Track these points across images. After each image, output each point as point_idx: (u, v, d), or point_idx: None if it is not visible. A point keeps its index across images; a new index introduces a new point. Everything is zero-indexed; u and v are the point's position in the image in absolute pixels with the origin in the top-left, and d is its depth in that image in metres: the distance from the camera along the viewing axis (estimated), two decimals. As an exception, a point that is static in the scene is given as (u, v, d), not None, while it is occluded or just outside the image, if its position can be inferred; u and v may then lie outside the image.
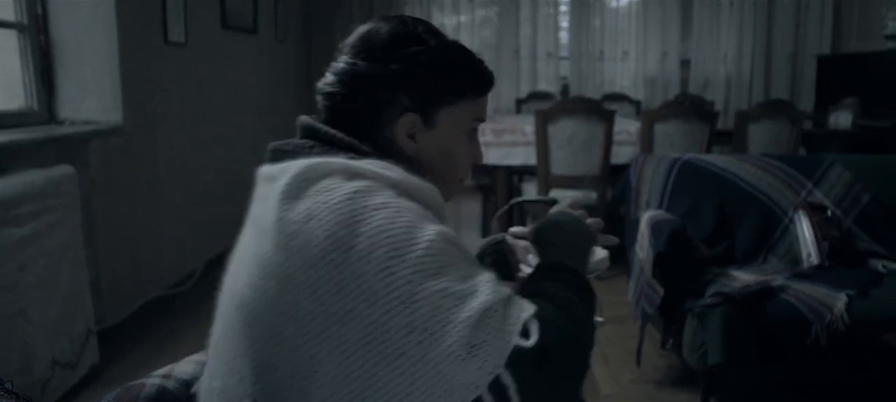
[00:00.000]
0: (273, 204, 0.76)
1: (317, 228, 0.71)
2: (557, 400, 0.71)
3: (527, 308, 0.72)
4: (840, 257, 2.37)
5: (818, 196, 2.54)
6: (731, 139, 3.38)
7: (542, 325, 0.70)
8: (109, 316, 2.60)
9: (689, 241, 2.12)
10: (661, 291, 2.08)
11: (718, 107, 5.07)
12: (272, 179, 0.81)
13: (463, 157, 0.92)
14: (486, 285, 0.71)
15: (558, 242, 0.90)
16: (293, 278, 0.70)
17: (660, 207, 2.46)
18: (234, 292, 0.79)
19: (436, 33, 0.89)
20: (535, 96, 4.94)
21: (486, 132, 3.45)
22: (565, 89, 5.43)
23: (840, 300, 1.98)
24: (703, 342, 1.93)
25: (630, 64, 5.38)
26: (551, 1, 5.33)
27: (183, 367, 1.07)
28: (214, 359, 0.83)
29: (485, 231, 3.68)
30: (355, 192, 0.73)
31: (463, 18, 5.42)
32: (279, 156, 0.88)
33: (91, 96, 2.64)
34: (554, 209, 0.98)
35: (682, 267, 2.05)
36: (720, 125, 3.50)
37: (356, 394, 0.68)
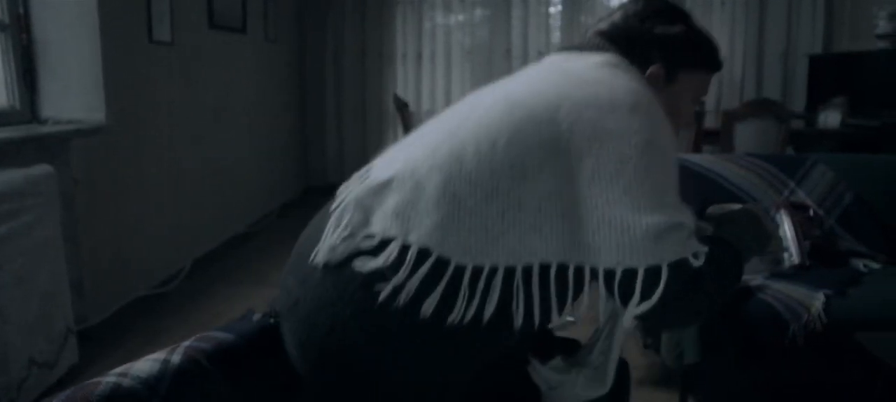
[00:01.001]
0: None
1: (636, 119, 0.96)
2: (681, 313, 0.93)
3: (703, 247, 0.92)
4: (822, 257, 2.37)
5: (801, 196, 2.54)
6: (718, 138, 3.38)
7: (707, 263, 0.91)
8: (92, 315, 2.60)
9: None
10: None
11: (709, 106, 5.07)
12: (614, 66, 1.07)
13: (683, 116, 1.16)
14: (691, 217, 0.94)
15: (737, 226, 1.09)
16: (611, 131, 0.93)
17: (642, 206, 2.45)
18: (543, 115, 0.95)
19: (691, 19, 1.16)
20: None
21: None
22: (557, 89, 5.43)
23: (817, 300, 1.98)
24: (679, 342, 1.93)
25: (622, 63, 5.36)
26: (543, 0, 5.33)
27: (141, 365, 1.06)
28: (478, 132, 0.97)
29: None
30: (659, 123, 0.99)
31: (454, 18, 5.42)
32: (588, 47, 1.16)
33: (74, 95, 2.64)
34: (746, 206, 1.23)
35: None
36: (712, 124, 3.50)
37: (570, 202, 0.90)
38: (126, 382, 1.02)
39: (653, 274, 0.87)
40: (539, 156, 0.92)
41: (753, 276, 2.16)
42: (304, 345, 1.02)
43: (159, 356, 1.10)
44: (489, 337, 0.93)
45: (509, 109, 0.97)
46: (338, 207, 1.03)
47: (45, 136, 2.37)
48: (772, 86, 5.45)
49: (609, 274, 0.89)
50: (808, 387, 2.21)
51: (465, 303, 0.89)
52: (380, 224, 0.95)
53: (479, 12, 5.43)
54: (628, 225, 0.88)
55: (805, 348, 1.92)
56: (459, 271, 0.89)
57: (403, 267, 0.90)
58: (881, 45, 4.67)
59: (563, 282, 0.91)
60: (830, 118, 4.03)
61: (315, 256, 1.00)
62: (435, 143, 0.98)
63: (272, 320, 1.26)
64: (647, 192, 0.89)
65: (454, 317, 0.89)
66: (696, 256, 0.89)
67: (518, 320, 0.91)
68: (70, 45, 2.61)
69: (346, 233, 0.97)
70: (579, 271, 0.91)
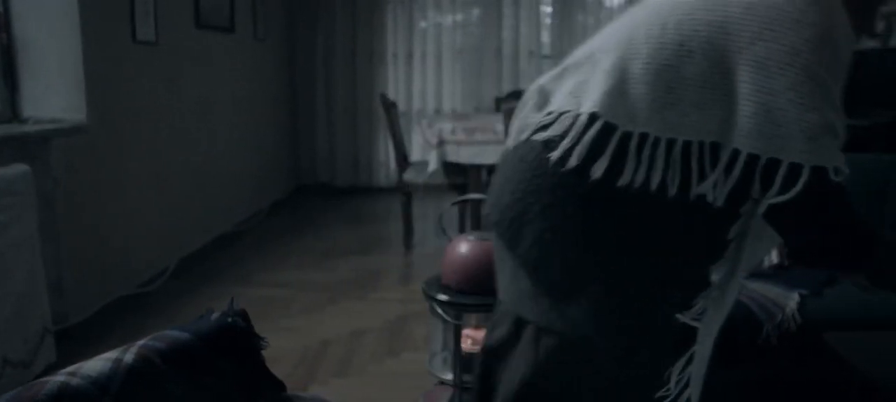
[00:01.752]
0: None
1: (813, 11, 0.94)
2: (809, 226, 0.97)
3: (845, 166, 0.91)
4: (799, 258, 2.37)
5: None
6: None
7: (842, 186, 0.91)
8: (73, 314, 2.60)
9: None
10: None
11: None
12: None
13: (867, 20, 1.14)
14: (844, 125, 0.93)
15: None
16: (785, 20, 0.93)
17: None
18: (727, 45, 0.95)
19: None
20: (515, 95, 4.91)
21: (457, 131, 3.45)
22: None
23: (792, 300, 1.98)
24: (654, 341, 1.93)
25: (612, 63, 5.36)
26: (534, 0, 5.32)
27: (92, 364, 1.06)
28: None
29: (462, 228, 3.67)
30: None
31: (445, 18, 5.42)
32: None
33: (55, 95, 2.64)
34: None
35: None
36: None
37: (733, 84, 0.93)
38: (75, 381, 1.02)
39: (795, 170, 0.89)
40: (707, 36, 0.94)
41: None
42: (494, 206, 1.09)
43: (111, 355, 1.10)
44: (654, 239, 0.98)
45: None
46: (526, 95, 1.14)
47: (26, 135, 2.37)
48: (763, 86, 5.43)
49: (752, 158, 0.91)
50: (783, 387, 2.20)
51: (633, 168, 0.94)
52: (557, 103, 1.05)
53: (469, 12, 5.43)
54: (786, 119, 0.89)
55: (779, 347, 1.92)
56: (626, 137, 0.95)
57: (572, 130, 0.98)
58: (872, 44, 4.67)
59: (714, 160, 0.94)
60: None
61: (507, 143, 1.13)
62: (611, 31, 1.06)
63: (230, 320, 1.26)
64: (811, 90, 0.90)
65: (623, 181, 0.94)
66: (837, 171, 0.90)
67: (672, 189, 0.94)
68: (51, 44, 2.61)
69: (529, 113, 1.09)
70: (734, 155, 0.92)
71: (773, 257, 2.35)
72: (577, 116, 0.99)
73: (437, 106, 5.45)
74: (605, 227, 0.99)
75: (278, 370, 2.52)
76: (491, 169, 3.53)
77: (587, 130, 0.97)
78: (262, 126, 4.82)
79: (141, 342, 1.14)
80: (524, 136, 1.07)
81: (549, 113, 1.04)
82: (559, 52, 5.35)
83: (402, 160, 3.88)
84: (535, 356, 1.06)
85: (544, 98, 1.09)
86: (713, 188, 0.94)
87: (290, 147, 5.47)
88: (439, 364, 1.84)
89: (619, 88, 0.97)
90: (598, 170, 0.95)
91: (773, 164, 0.90)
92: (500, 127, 3.30)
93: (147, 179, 3.20)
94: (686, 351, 1.04)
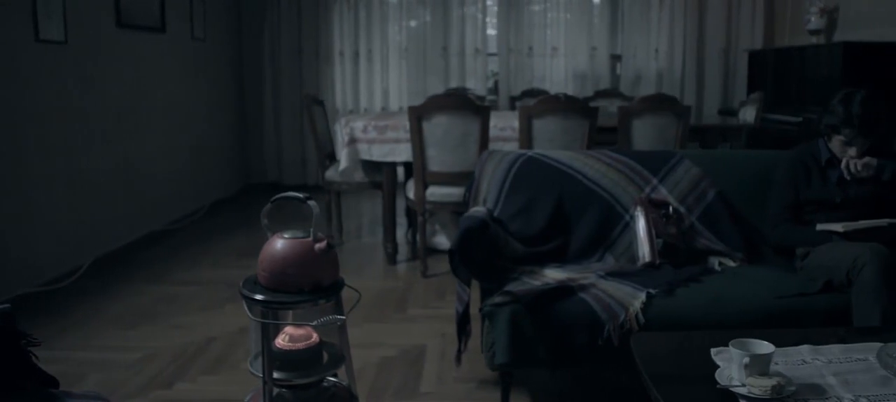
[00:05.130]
0: None
1: None
2: None
3: None
4: (677, 256, 2.34)
5: (662, 192, 2.51)
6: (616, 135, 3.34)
7: None
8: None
9: (494, 239, 2.09)
10: (467, 289, 2.06)
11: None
12: None
13: None
14: None
15: None
16: None
17: (496, 203, 2.43)
18: None
19: None
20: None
21: (368, 129, 3.44)
22: (496, 86, 5.41)
23: (638, 300, 1.96)
24: (493, 342, 1.91)
25: (560, 59, 5.34)
26: (480, -1, 5.30)
27: None
28: None
29: (385, 229, 3.66)
30: None
31: (391, 16, 5.40)
32: None
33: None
34: None
35: (481, 265, 2.03)
36: (610, 122, 3.47)
37: None
38: None
39: None
40: None
41: (586, 274, 2.13)
42: None
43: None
44: None
45: None
46: None
47: None
48: (712, 81, 5.40)
49: None
50: (625, 387, 2.18)
51: None
52: None
53: (415, 11, 5.41)
54: None
55: (621, 348, 1.89)
56: None
57: None
58: (813, 40, 4.62)
59: None
60: (748, 113, 3.98)
61: None
62: None
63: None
64: None
65: None
66: None
67: None
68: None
69: None
70: None
71: (646, 255, 2.32)
72: None
73: (385, 104, 5.44)
74: None
75: (152, 366, 2.52)
76: (408, 166, 3.51)
77: None
78: (202, 126, 4.82)
79: None
80: None
81: None
82: (505, 49, 5.32)
83: (325, 159, 3.87)
84: None
85: None
86: None
87: (237, 146, 5.48)
88: (259, 365, 1.82)
89: None
90: None
91: None
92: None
93: (56, 178, 3.21)
94: None
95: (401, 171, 4.03)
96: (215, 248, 3.91)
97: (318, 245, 1.67)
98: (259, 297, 1.65)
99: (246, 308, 1.66)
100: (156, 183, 4.13)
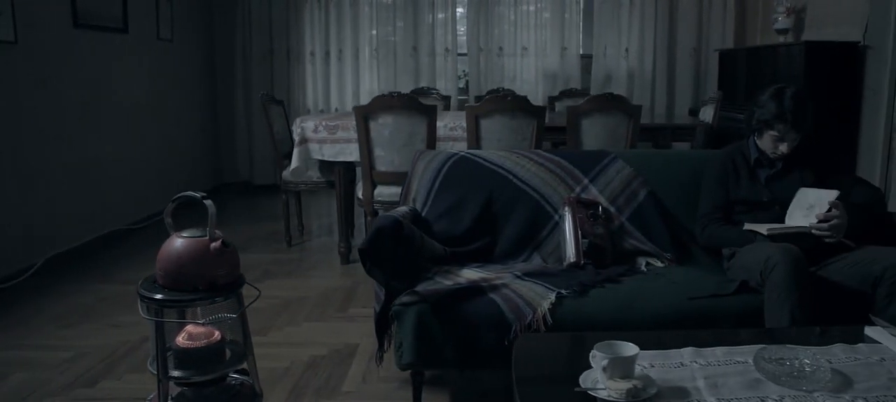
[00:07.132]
0: None
1: None
2: None
3: None
4: (602, 256, 2.33)
5: (593, 192, 2.50)
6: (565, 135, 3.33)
7: None
8: None
9: (408, 239, 2.09)
10: (383, 289, 2.06)
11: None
12: None
13: None
14: None
15: None
16: None
17: (425, 203, 2.43)
18: None
19: None
20: (421, 92, 4.88)
21: (319, 129, 3.44)
22: (467, 85, 5.40)
23: (547, 300, 1.95)
24: (401, 342, 1.91)
25: (530, 59, 5.33)
26: (450, 0, 5.30)
27: None
28: None
29: (339, 229, 3.66)
30: None
31: (362, 16, 5.40)
32: None
33: None
34: None
35: (393, 265, 2.02)
36: (559, 121, 3.45)
37: None
38: None
39: None
40: None
41: (502, 275, 2.12)
42: None
43: None
44: None
45: None
46: None
47: None
48: (683, 81, 5.38)
49: None
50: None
51: None
52: None
53: (386, 11, 5.41)
54: None
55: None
56: None
57: None
58: (781, 39, 4.59)
59: None
60: (706, 113, 3.96)
61: None
62: None
63: None
64: None
65: None
66: None
67: None
68: None
69: None
70: None
71: (571, 255, 2.31)
72: None
73: (356, 104, 5.44)
74: None
75: (80, 364, 2.52)
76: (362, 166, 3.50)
77: None
78: (170, 126, 4.84)
79: None
80: None
81: None
82: (475, 49, 5.32)
83: (283, 158, 3.88)
84: None
85: None
86: None
87: (209, 146, 5.49)
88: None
89: None
90: None
91: None
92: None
93: (6, 178, 3.22)
94: None
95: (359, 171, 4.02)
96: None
97: (213, 244, 1.67)
98: (156, 296, 1.65)
99: (140, 308, 1.66)
100: (119, 183, 4.14)
